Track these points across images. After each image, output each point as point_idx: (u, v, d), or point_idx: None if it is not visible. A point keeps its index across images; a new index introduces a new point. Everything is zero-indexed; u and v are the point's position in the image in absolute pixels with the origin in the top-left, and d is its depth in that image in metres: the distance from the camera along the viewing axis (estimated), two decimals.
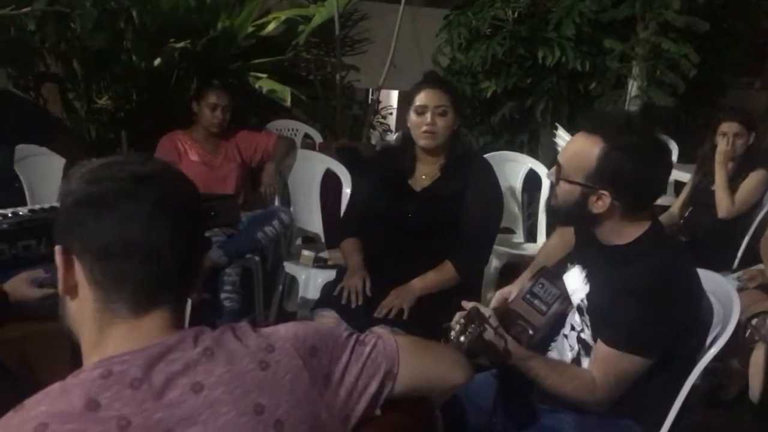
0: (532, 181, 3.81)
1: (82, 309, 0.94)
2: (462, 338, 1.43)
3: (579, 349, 1.65)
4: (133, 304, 0.92)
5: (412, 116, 2.34)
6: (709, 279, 1.72)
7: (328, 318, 2.30)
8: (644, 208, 1.61)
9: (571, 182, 1.57)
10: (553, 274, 1.72)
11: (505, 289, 1.81)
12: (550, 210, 1.72)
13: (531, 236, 3.84)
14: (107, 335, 0.92)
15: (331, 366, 0.99)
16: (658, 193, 1.64)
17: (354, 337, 1.05)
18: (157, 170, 0.94)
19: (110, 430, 0.82)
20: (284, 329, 1.00)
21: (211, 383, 0.89)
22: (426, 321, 2.12)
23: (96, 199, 0.90)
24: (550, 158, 4.16)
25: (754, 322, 0.87)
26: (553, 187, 1.67)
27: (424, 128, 2.31)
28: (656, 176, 1.59)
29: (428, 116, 2.30)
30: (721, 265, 2.96)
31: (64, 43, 3.99)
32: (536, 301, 1.66)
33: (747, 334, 0.88)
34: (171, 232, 0.91)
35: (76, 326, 0.96)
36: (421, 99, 2.33)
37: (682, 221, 3.42)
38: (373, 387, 1.01)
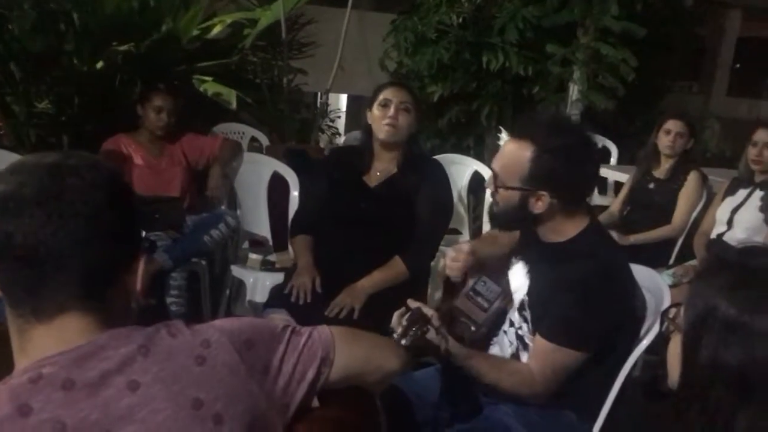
0: (477, 183, 3.87)
1: (7, 313, 0.92)
2: (404, 341, 1.45)
3: (517, 344, 1.71)
4: (33, 310, 0.89)
5: (375, 110, 2.40)
6: (642, 274, 1.79)
7: (279, 320, 2.30)
8: (581, 203, 1.68)
9: (508, 188, 1.63)
10: (496, 272, 1.77)
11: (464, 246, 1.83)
12: (493, 217, 1.77)
13: (477, 237, 3.89)
14: (27, 339, 0.90)
15: (268, 357, 1.00)
16: (592, 187, 1.71)
17: (289, 328, 1.06)
18: (40, 168, 0.89)
19: None
20: (219, 324, 1.00)
21: (148, 381, 0.89)
22: (377, 319, 2.14)
23: None
24: None
25: (670, 313, 0.90)
26: (493, 194, 1.71)
27: (387, 120, 2.37)
28: (587, 171, 1.67)
29: (392, 109, 2.36)
30: (658, 262, 3.07)
31: (0, 44, 3.89)
32: (479, 298, 1.70)
33: (664, 326, 0.92)
34: (56, 231, 0.86)
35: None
36: (386, 94, 2.41)
37: (621, 219, 3.53)
38: (311, 374, 1.03)
